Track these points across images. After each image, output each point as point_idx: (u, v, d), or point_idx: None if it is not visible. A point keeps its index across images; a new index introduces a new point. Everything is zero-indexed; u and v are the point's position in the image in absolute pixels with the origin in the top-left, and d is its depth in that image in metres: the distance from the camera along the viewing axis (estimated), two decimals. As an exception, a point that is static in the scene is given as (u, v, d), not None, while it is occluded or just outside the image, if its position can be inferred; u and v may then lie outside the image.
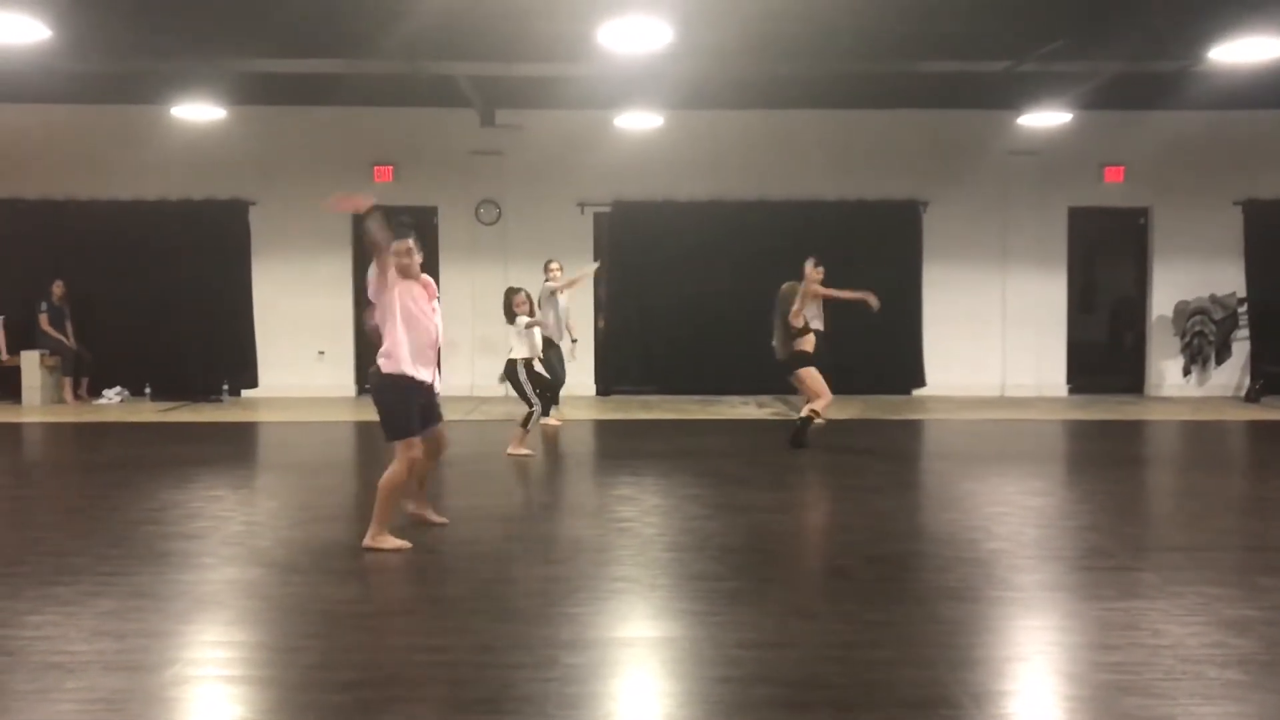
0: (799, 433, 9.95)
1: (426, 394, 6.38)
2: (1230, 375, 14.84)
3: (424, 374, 6.30)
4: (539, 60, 10.63)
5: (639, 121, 13.36)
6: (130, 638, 4.58)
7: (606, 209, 14.80)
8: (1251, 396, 14.22)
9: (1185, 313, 14.60)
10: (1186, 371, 14.74)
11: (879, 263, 14.26)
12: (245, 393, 14.72)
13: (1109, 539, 6.54)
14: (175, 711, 3.90)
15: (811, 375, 9.95)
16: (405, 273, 6.20)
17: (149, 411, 13.15)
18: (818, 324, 11.50)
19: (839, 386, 12.56)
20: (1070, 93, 12.28)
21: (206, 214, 14.55)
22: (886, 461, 9.72)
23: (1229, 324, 14.48)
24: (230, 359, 14.64)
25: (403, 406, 6.21)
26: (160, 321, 14.34)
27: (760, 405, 13.57)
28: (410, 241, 6.20)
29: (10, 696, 3.93)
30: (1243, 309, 14.59)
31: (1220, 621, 4.84)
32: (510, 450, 9.62)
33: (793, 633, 4.70)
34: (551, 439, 10.81)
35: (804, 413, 9.99)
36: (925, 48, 10.44)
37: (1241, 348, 14.73)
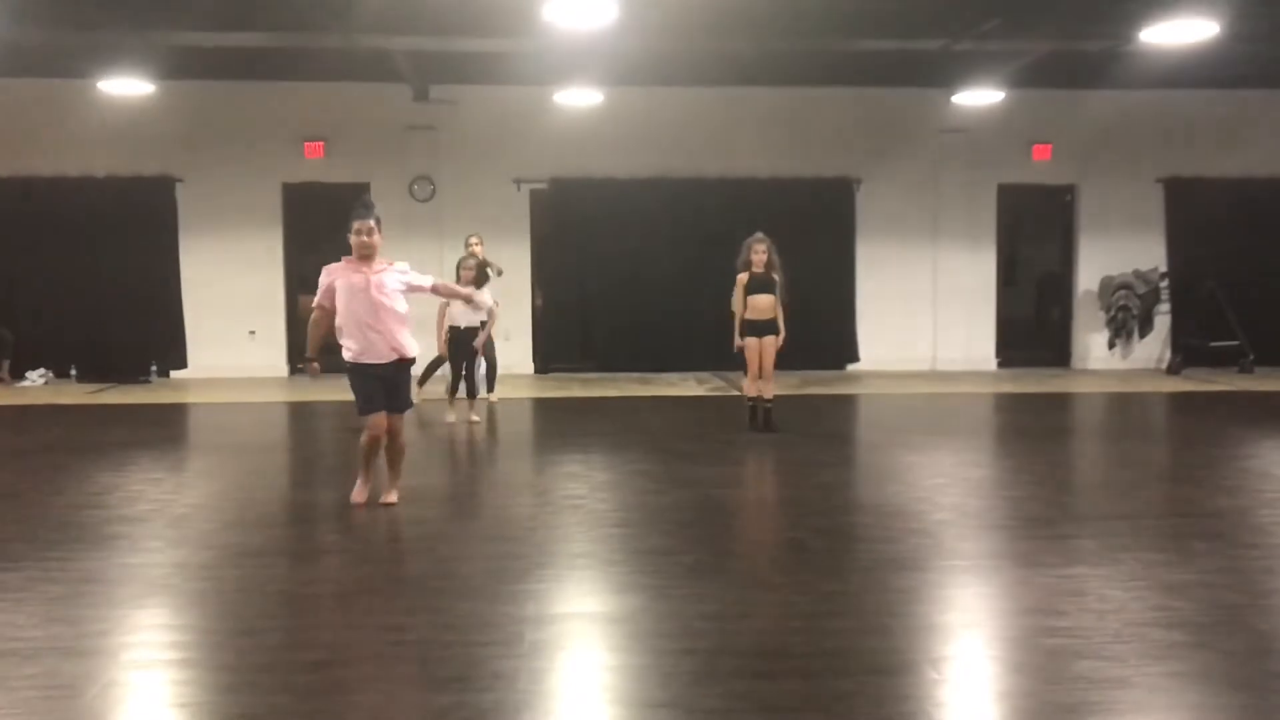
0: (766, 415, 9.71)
1: (379, 374, 6.51)
2: (1152, 348, 15.27)
3: (368, 356, 6.48)
4: (479, 35, 10.53)
5: (578, 98, 13.29)
6: (84, 623, 4.51)
7: (544, 186, 14.73)
8: (1173, 368, 14.65)
9: (1110, 287, 14.97)
10: (1111, 345, 15.14)
11: (813, 239, 14.45)
12: (175, 373, 14.43)
13: (1048, 508, 6.73)
14: (140, 696, 3.86)
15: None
16: (362, 251, 6.42)
17: (76, 393, 12.84)
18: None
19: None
20: (1002, 71, 12.50)
21: (132, 191, 14.18)
22: (826, 436, 9.87)
23: (1151, 298, 14.88)
24: (158, 339, 14.34)
25: (357, 387, 6.55)
26: (85, 301, 13.99)
27: (700, 382, 13.66)
28: (371, 222, 6.42)
29: (-32, 685, 3.85)
30: (1164, 283, 15.01)
31: (1160, 585, 5.02)
32: (474, 418, 10.23)
33: (753, 604, 4.78)
34: (490, 419, 10.78)
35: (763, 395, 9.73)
36: (862, 26, 10.54)
37: (1163, 321, 15.17)
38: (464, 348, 10.19)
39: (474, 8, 9.47)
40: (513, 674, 3.92)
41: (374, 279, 6.46)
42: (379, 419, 6.53)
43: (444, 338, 10.25)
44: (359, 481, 6.77)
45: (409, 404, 6.78)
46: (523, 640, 4.26)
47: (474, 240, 11.43)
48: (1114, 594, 4.89)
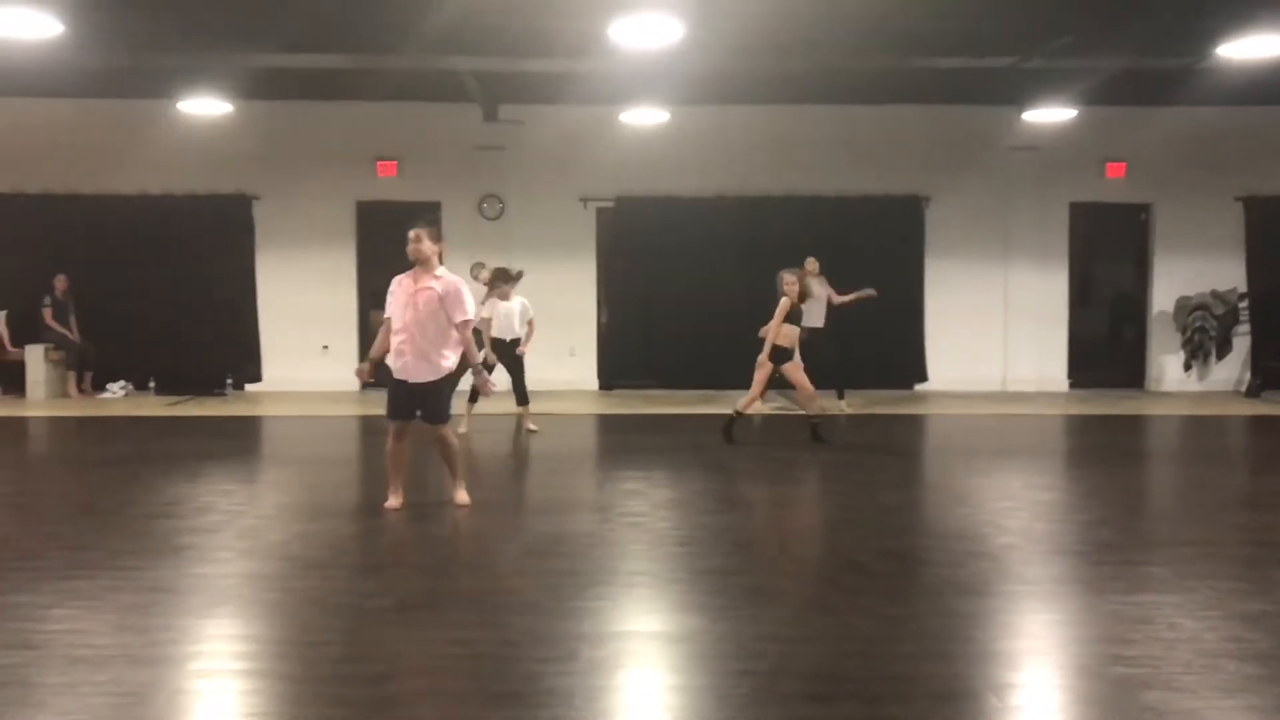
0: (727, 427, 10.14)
1: (405, 387, 6.88)
2: (1231, 370, 14.88)
3: (402, 369, 6.86)
4: (547, 56, 10.63)
5: (644, 117, 13.36)
6: (153, 631, 4.61)
7: (610, 204, 14.81)
8: (1252, 391, 14.28)
9: (1186, 308, 14.64)
10: (1187, 366, 14.78)
11: (882, 258, 14.37)
12: (249, 387, 14.71)
13: (1118, 533, 6.58)
14: (205, 705, 3.93)
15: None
16: (410, 256, 6.86)
17: (153, 405, 13.15)
18: (816, 321, 11.84)
19: (842, 382, 12.73)
20: (1075, 88, 12.31)
21: (211, 208, 14.53)
22: (892, 456, 9.76)
23: (1230, 319, 14.50)
24: (234, 353, 14.64)
25: (389, 392, 7.01)
26: (164, 315, 14.31)
27: (764, 401, 13.56)
28: (418, 229, 6.87)
29: (41, 690, 3.95)
30: (1243, 304, 14.62)
31: (1234, 615, 4.88)
32: (531, 426, 10.71)
33: (812, 627, 4.74)
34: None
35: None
36: (932, 44, 10.46)
37: (1242, 343, 14.77)
38: (505, 357, 10.65)
39: (541, 29, 9.56)
40: (568, 691, 3.92)
41: (422, 294, 6.79)
42: (399, 427, 6.94)
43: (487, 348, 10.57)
44: (390, 489, 7.07)
45: (442, 417, 7.00)
46: (579, 657, 4.27)
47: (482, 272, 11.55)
48: (1186, 623, 4.76)
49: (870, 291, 12.37)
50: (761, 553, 6.21)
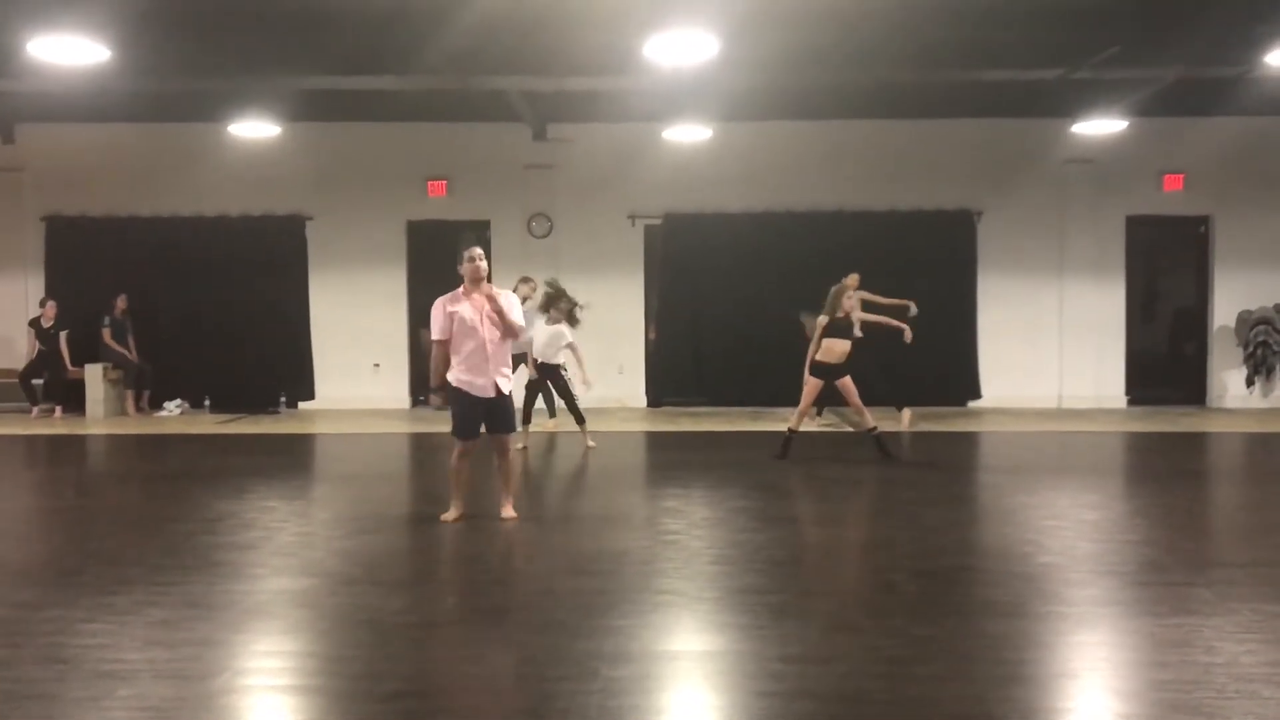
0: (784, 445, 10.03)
1: (484, 404, 6.99)
2: (1295, 387, 14.52)
3: (474, 386, 6.94)
4: (588, 74, 10.70)
5: (688, 134, 13.38)
6: (181, 647, 4.66)
7: (657, 221, 14.82)
8: (1318, 408, 13.90)
9: (1248, 322, 14.30)
10: (1250, 383, 14.42)
11: (933, 273, 14.22)
12: (302, 404, 14.92)
13: (1165, 554, 6.42)
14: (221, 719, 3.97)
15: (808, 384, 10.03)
16: (476, 275, 6.95)
17: (208, 423, 13.38)
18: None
19: (893, 398, 12.57)
20: (1127, 100, 12.11)
21: (265, 229, 14.80)
22: (939, 474, 9.62)
23: (1294, 334, 14.16)
24: (288, 371, 14.86)
25: (459, 410, 7.04)
26: (220, 335, 14.58)
27: (811, 417, 13.45)
28: (477, 249, 7.01)
29: (64, 704, 4.01)
30: (1308, 318, 14.26)
31: (1277, 639, 4.73)
32: (590, 444, 10.75)
33: (837, 647, 4.67)
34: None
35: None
36: (978, 57, 10.36)
37: (1308, 358, 14.39)
38: (549, 379, 10.86)
39: (579, 46, 9.62)
40: (582, 711, 3.90)
41: (486, 311, 6.92)
42: (470, 445, 7.07)
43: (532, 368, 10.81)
44: (452, 502, 7.21)
45: (513, 426, 7.23)
46: (598, 676, 4.25)
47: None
48: (1224, 646, 4.62)
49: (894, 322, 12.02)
50: (794, 572, 6.14)
